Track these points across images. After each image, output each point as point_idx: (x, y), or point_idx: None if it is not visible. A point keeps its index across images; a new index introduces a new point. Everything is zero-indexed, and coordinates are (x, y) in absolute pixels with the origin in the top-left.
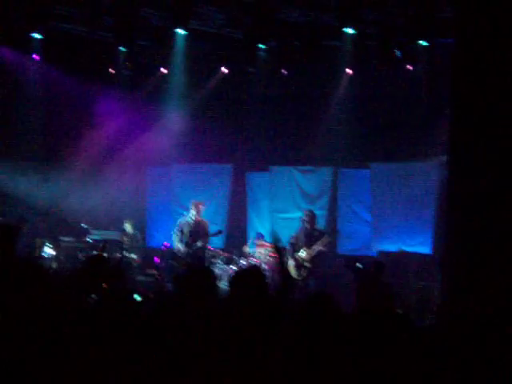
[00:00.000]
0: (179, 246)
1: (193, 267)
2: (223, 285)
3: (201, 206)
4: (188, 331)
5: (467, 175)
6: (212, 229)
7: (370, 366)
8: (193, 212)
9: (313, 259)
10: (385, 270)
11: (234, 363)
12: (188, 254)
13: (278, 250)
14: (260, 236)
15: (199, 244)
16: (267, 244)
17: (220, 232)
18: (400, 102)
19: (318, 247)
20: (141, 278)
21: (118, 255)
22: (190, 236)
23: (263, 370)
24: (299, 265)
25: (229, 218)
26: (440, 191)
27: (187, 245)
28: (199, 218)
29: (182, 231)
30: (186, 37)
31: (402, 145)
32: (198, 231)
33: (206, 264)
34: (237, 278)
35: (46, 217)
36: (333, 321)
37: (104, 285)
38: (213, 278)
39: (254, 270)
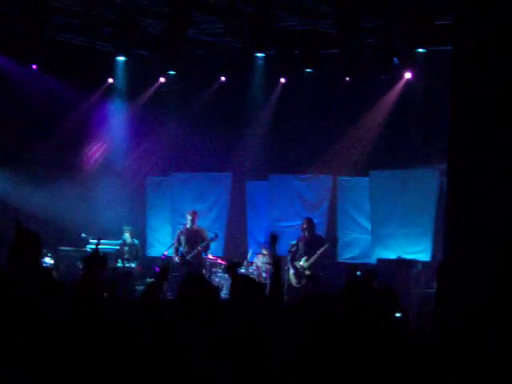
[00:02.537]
0: (175, 258)
1: (187, 276)
2: (223, 294)
3: (196, 216)
4: (186, 340)
5: (467, 182)
6: (211, 236)
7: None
8: (189, 221)
9: (312, 266)
10: (378, 276)
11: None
12: (184, 263)
13: (275, 259)
14: (266, 245)
15: (195, 252)
16: (267, 253)
17: (216, 236)
18: (398, 109)
19: (318, 254)
20: (140, 287)
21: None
22: (187, 245)
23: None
24: (299, 273)
25: (228, 226)
26: (439, 198)
27: (183, 255)
28: (195, 227)
29: (179, 241)
30: (184, 46)
31: (400, 152)
32: (194, 240)
33: (206, 273)
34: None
35: (46, 226)
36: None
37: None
38: (207, 285)
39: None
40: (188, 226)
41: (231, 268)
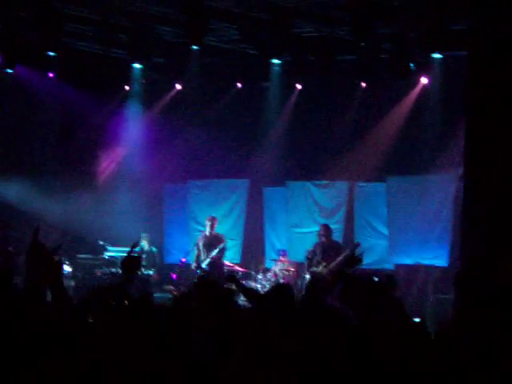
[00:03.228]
0: (193, 265)
1: (200, 281)
2: (241, 300)
3: (215, 222)
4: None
5: (483, 187)
6: (229, 243)
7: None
8: (208, 227)
9: (332, 272)
10: (396, 283)
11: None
12: (200, 268)
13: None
14: (283, 253)
15: (209, 258)
16: (285, 260)
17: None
18: (415, 114)
19: (338, 260)
20: (158, 294)
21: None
22: (205, 250)
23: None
24: None
25: (246, 232)
26: (456, 204)
27: (200, 260)
28: (214, 233)
29: (197, 247)
30: (201, 53)
31: (417, 158)
32: (212, 245)
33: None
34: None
35: (63, 234)
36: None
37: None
38: (219, 290)
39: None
40: (207, 232)
41: (238, 285)
